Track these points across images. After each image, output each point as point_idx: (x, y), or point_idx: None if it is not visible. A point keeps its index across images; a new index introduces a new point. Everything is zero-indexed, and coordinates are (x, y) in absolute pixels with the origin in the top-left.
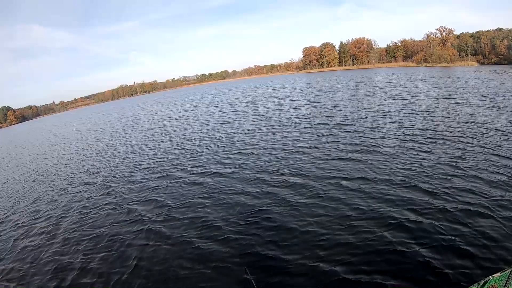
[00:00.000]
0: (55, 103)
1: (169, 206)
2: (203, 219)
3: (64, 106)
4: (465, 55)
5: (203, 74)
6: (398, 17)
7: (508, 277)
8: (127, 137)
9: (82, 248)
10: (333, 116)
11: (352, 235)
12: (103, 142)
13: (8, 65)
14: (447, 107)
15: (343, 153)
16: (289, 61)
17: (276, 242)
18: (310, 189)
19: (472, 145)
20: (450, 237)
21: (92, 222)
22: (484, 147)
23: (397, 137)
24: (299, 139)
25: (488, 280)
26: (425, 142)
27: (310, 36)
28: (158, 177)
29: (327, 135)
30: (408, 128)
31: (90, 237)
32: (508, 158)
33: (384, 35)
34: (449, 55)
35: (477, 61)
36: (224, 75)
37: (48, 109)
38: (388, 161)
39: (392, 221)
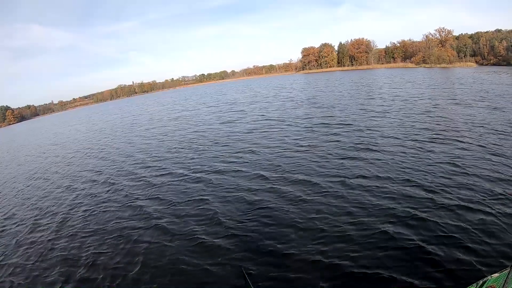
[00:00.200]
0: (54, 102)
1: (171, 203)
2: (203, 217)
3: (62, 106)
4: (464, 56)
5: (202, 74)
6: (397, 18)
7: (506, 277)
8: (127, 136)
9: (87, 245)
10: (333, 116)
11: (351, 232)
12: (103, 141)
13: (7, 65)
14: (446, 107)
15: (343, 152)
16: (288, 62)
17: (275, 238)
18: (310, 187)
19: (471, 145)
20: (449, 236)
21: (96, 219)
22: (484, 147)
23: (396, 137)
24: (299, 138)
25: (487, 280)
26: (424, 142)
27: (309, 36)
28: (159, 176)
29: (327, 134)
30: (408, 128)
31: (94, 233)
32: (507, 157)
33: (383, 36)
34: (448, 56)
35: (476, 62)
36: (223, 75)
37: (47, 109)
38: (387, 161)
39: (392, 219)
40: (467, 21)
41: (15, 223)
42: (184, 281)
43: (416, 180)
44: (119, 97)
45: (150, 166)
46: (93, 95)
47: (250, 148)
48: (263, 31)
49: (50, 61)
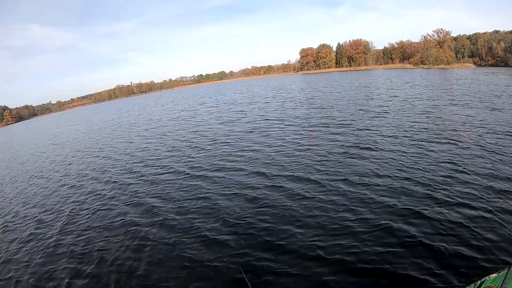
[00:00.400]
0: (52, 103)
1: (171, 202)
2: (203, 215)
3: (60, 106)
4: (462, 57)
5: (200, 74)
6: (396, 19)
7: (504, 278)
8: (127, 136)
9: (93, 241)
10: (332, 117)
11: (350, 229)
12: (103, 141)
13: (5, 65)
14: (444, 108)
15: (343, 151)
16: (286, 62)
17: (275, 235)
18: (310, 186)
19: (470, 145)
20: (448, 234)
21: (100, 216)
22: (483, 147)
23: (395, 137)
24: (297, 139)
25: (485, 280)
26: (423, 142)
27: (307, 37)
28: (159, 174)
29: (325, 135)
30: (407, 129)
31: (99, 230)
32: (506, 157)
33: (381, 36)
34: (446, 57)
35: (474, 63)
36: (221, 76)
37: (45, 109)
38: (387, 160)
39: (391, 217)
40: (466, 22)
41: (20, 220)
42: (185, 277)
43: (415, 178)
44: (117, 97)
45: (150, 165)
46: (91, 95)
47: (250, 148)
48: (261, 31)
49: (48, 61)
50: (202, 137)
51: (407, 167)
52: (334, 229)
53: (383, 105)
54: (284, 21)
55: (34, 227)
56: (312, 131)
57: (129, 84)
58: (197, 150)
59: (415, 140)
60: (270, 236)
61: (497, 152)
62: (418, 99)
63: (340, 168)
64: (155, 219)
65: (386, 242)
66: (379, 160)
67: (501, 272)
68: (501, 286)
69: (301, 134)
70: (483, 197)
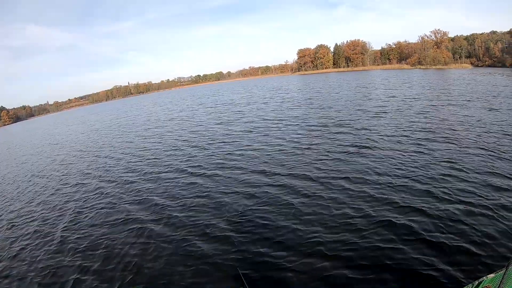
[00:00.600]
0: (49, 103)
1: (165, 205)
2: (198, 218)
3: (58, 106)
4: (459, 57)
5: (198, 75)
6: (393, 20)
7: (502, 278)
8: (126, 136)
9: (98, 238)
10: (330, 117)
11: (345, 232)
12: (103, 141)
13: (2, 65)
14: (443, 108)
15: (340, 153)
16: (284, 63)
17: (269, 239)
18: (309, 186)
19: (469, 144)
20: (446, 233)
21: (104, 214)
22: (481, 148)
23: (394, 137)
24: (296, 139)
25: (482, 281)
26: (422, 142)
27: (306, 37)
28: (155, 177)
29: (324, 135)
30: (405, 129)
31: (104, 227)
32: (504, 157)
33: (378, 37)
34: (443, 57)
35: (471, 63)
36: (218, 76)
37: (42, 110)
38: (385, 161)
39: (389, 219)
40: (463, 22)
41: (24, 219)
42: (179, 284)
43: (414, 177)
44: (114, 98)
45: (151, 165)
46: (89, 95)
47: (249, 147)
48: (259, 32)
49: (45, 61)
50: (201, 137)
51: (406, 166)
52: (333, 226)
53: (381, 105)
54: (280, 23)
55: (39, 224)
56: (311, 130)
57: (127, 84)
58: (197, 150)
59: (413, 140)
60: (270, 233)
61: (495, 151)
62: (416, 99)
63: (339, 166)
64: (157, 217)
65: (385, 239)
66: (378, 159)
67: (499, 272)
68: (498, 286)
69: (300, 133)
70: (481, 195)
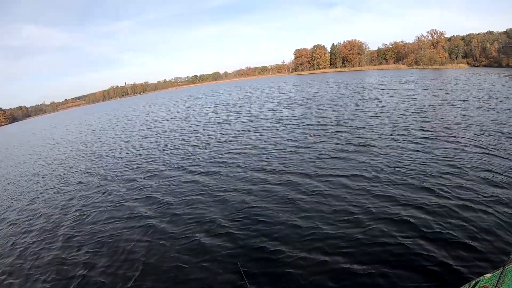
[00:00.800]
0: (46, 103)
1: (165, 203)
2: (197, 216)
3: (54, 107)
4: (456, 57)
5: (195, 75)
6: (390, 20)
7: (499, 277)
8: (123, 137)
9: (83, 244)
10: (327, 117)
11: (346, 229)
12: (98, 142)
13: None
14: (439, 108)
15: (338, 152)
16: (281, 63)
17: (270, 235)
18: (305, 186)
19: (466, 143)
20: (444, 234)
21: (92, 219)
22: (478, 146)
23: (391, 136)
24: (293, 138)
25: (480, 280)
26: (419, 142)
27: (302, 38)
28: (154, 176)
29: (322, 134)
30: (402, 129)
31: (90, 234)
32: (500, 156)
33: (375, 37)
34: (440, 57)
35: (468, 63)
36: (215, 76)
37: (39, 110)
38: (383, 159)
39: (384, 216)
40: (460, 22)
41: (29, 217)
42: (181, 279)
43: (412, 176)
44: (111, 98)
45: (143, 167)
46: (85, 96)
47: (245, 149)
48: (256, 32)
49: (43, 61)
50: (199, 137)
51: (404, 165)
52: (331, 224)
53: (378, 105)
54: (277, 23)
55: (43, 222)
56: (309, 130)
57: (123, 85)
58: (195, 149)
59: (411, 139)
60: (270, 230)
61: (492, 150)
62: (413, 99)
63: (337, 165)
64: (160, 214)
65: (383, 238)
66: (376, 158)
67: (496, 272)
68: (495, 286)
69: (298, 133)
70: (478, 196)
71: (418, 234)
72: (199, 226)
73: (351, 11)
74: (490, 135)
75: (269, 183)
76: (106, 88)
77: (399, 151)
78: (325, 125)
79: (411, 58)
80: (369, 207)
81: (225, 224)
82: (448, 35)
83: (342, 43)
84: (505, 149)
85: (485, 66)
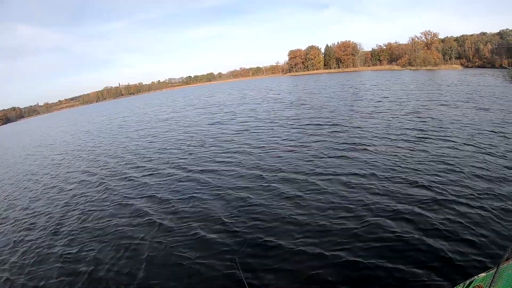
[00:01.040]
0: (39, 104)
1: (164, 202)
2: (196, 214)
3: (48, 108)
4: (450, 58)
5: (189, 76)
6: (384, 21)
7: (493, 276)
8: (117, 138)
9: (85, 243)
10: (322, 117)
11: (342, 226)
12: (93, 143)
13: None
14: (433, 108)
15: (334, 151)
16: (275, 64)
17: (267, 232)
18: (301, 185)
19: (460, 143)
20: (440, 232)
21: (92, 218)
22: (472, 146)
23: (386, 136)
24: (289, 138)
25: (474, 280)
26: (414, 141)
27: (296, 39)
28: (152, 175)
29: (317, 134)
30: (397, 129)
31: (91, 232)
32: (493, 154)
33: (369, 38)
34: (434, 58)
35: (461, 64)
36: (210, 77)
37: (32, 111)
38: (378, 159)
39: (382, 218)
40: (453, 24)
41: (10, 224)
42: (180, 275)
43: (407, 177)
44: (105, 99)
45: (142, 166)
46: (79, 97)
47: (241, 148)
48: (251, 33)
49: (36, 62)
50: (193, 138)
51: (399, 166)
52: (326, 226)
53: (373, 105)
54: (271, 24)
55: (45, 221)
56: (304, 130)
57: (117, 85)
58: (189, 151)
59: (406, 139)
60: (261, 234)
61: (487, 150)
62: (407, 99)
63: (332, 167)
64: (148, 220)
65: (378, 239)
66: (371, 159)
67: (490, 271)
68: (490, 285)
69: (292, 134)
70: (474, 193)
71: (414, 230)
72: (197, 222)
73: (344, 12)
74: (483, 134)
75: (266, 181)
76: (100, 89)
77: (394, 152)
78: (320, 125)
79: (405, 59)
80: (366, 204)
81: (224, 221)
82: (441, 36)
83: (336, 44)
84: (497, 147)
85: (479, 67)
